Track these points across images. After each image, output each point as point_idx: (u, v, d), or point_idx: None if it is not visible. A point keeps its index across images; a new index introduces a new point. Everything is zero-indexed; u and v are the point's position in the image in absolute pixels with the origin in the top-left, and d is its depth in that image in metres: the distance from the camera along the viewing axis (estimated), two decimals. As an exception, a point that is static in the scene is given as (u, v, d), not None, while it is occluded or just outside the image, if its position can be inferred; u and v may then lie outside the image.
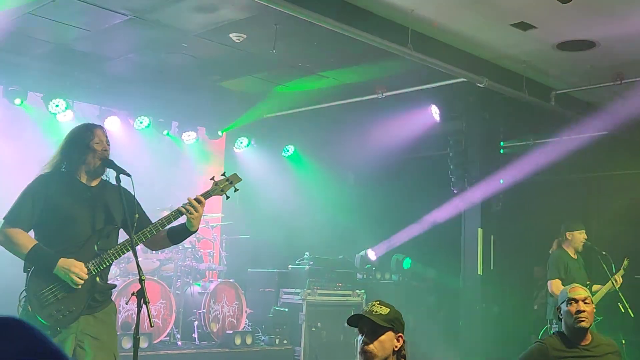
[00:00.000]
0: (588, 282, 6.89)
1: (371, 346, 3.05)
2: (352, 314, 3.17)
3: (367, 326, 3.09)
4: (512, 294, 9.47)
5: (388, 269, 9.92)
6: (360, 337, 3.12)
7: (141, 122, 9.33)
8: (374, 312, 3.10)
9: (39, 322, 3.63)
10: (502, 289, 9.21)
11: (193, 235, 7.16)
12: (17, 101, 8.24)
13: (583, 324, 4.02)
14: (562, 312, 4.13)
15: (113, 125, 9.00)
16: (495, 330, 8.93)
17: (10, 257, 3.84)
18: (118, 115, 9.13)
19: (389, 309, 3.13)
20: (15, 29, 7.12)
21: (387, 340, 3.07)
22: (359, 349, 3.10)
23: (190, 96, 9.55)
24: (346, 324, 3.21)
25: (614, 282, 6.69)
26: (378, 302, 3.17)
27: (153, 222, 4.03)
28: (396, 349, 3.10)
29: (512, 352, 5.82)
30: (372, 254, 9.64)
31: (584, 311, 4.04)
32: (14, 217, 3.78)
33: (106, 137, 4.02)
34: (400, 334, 3.13)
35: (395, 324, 3.12)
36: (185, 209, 3.95)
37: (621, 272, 6.84)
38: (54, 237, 3.79)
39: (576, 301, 4.08)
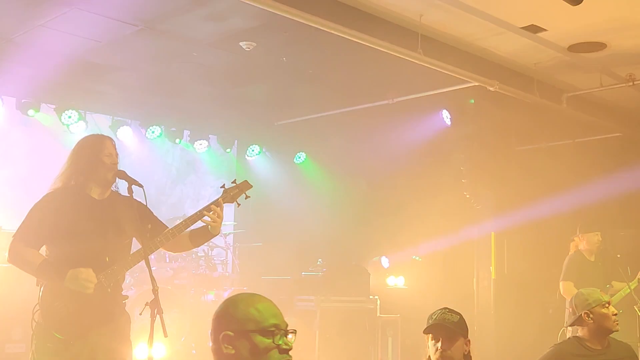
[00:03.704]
0: (608, 285, 6.84)
1: (449, 352, 3.28)
2: (430, 323, 3.37)
3: (444, 333, 3.31)
4: (526, 298, 9.41)
5: (402, 275, 9.88)
6: (434, 342, 3.32)
7: (153, 132, 9.38)
8: (447, 320, 3.32)
9: (53, 336, 3.64)
10: (516, 292, 9.16)
11: (206, 244, 7.18)
12: (30, 112, 8.31)
13: (618, 326, 4.02)
14: (594, 314, 4.05)
15: (125, 135, 9.05)
16: (510, 335, 8.88)
17: (21, 273, 3.86)
18: (130, 125, 9.19)
19: (458, 316, 3.37)
20: (28, 41, 7.18)
21: (460, 346, 3.32)
22: (437, 356, 3.30)
23: (202, 105, 9.58)
24: (422, 333, 3.40)
25: (630, 286, 6.64)
26: (448, 310, 3.39)
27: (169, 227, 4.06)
28: (466, 353, 3.35)
29: (527, 356, 5.78)
30: (385, 262, 9.58)
31: (616, 314, 4.04)
32: (22, 235, 3.79)
33: (115, 148, 4.03)
34: (468, 339, 3.37)
35: (464, 330, 3.35)
36: (207, 215, 3.96)
37: None
38: (65, 253, 3.79)
39: (609, 304, 4.06)
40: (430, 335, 3.36)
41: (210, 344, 2.24)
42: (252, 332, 2.15)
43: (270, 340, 2.15)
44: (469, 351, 3.36)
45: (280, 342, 2.17)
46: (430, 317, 3.39)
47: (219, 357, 2.20)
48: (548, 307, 9.32)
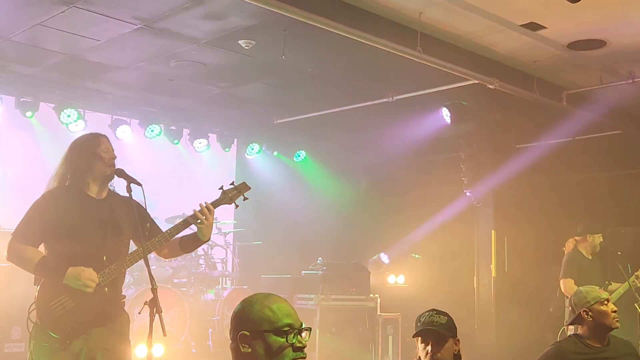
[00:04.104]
0: (606, 282, 6.85)
1: (439, 354, 3.28)
2: (418, 327, 3.37)
3: (433, 337, 3.31)
4: (526, 296, 9.40)
5: (402, 273, 9.88)
6: (423, 346, 3.33)
7: (152, 131, 9.36)
8: (435, 323, 3.32)
9: (50, 336, 3.63)
10: (517, 290, 9.15)
11: (206, 243, 7.15)
12: (28, 113, 8.30)
13: (618, 323, 4.01)
14: (594, 312, 4.04)
15: (125, 134, 9.04)
16: (511, 333, 8.87)
17: (20, 270, 3.85)
18: (129, 124, 9.18)
19: (446, 317, 3.36)
20: (26, 40, 7.17)
21: (450, 347, 3.32)
22: (425, 357, 3.31)
23: (201, 104, 9.57)
24: (412, 337, 3.41)
25: (630, 283, 6.63)
26: (435, 312, 3.38)
27: (163, 231, 4.04)
28: (456, 353, 3.35)
29: (528, 354, 5.77)
30: (384, 257, 9.60)
31: (616, 310, 4.03)
32: (21, 233, 3.78)
33: (111, 145, 4.03)
34: (457, 339, 3.37)
35: (453, 330, 3.35)
36: (195, 217, 3.95)
37: None
38: (63, 251, 3.78)
39: (608, 301, 4.05)
40: (419, 338, 3.36)
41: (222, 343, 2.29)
42: (267, 332, 2.25)
43: (283, 340, 2.25)
44: (459, 350, 3.39)
45: (294, 341, 2.27)
46: (419, 319, 3.39)
47: (237, 355, 2.29)
48: (548, 305, 9.31)
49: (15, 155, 8.48)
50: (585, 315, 4.06)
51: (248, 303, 2.32)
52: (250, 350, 2.24)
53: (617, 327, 4.02)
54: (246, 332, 2.26)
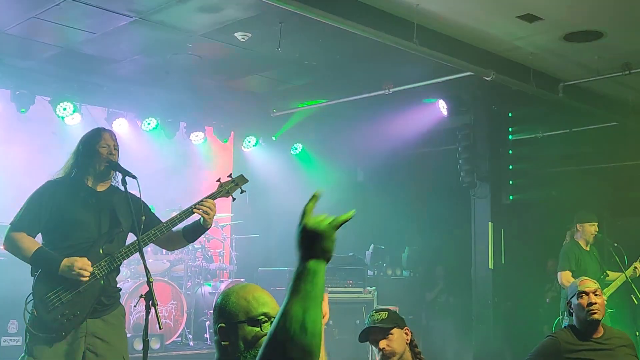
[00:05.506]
0: (605, 273, 6.86)
1: (388, 347, 3.44)
2: (364, 328, 3.57)
3: (377, 334, 3.49)
4: (523, 288, 9.42)
5: (399, 265, 9.89)
6: (374, 347, 3.50)
7: (149, 124, 9.34)
8: (376, 320, 3.51)
9: (46, 327, 3.64)
10: (514, 282, 9.17)
11: (203, 236, 7.18)
12: (24, 107, 8.27)
13: (595, 316, 4.00)
14: (572, 305, 4.10)
15: (121, 127, 9.02)
16: (508, 325, 8.90)
17: (17, 263, 3.85)
18: (126, 117, 9.15)
19: (386, 312, 3.56)
20: (21, 33, 7.14)
21: (398, 337, 3.47)
22: (379, 357, 3.48)
23: (198, 96, 9.55)
24: (360, 342, 3.60)
25: (627, 274, 6.65)
26: (375, 311, 3.59)
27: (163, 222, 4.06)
28: (408, 342, 3.50)
29: (524, 346, 5.79)
30: (381, 250, 9.60)
31: (595, 303, 4.01)
32: (20, 222, 3.80)
33: (114, 141, 4.02)
34: (406, 327, 3.54)
35: (397, 321, 3.52)
36: (200, 208, 3.97)
37: None
38: (60, 242, 3.80)
39: (587, 294, 4.05)
40: (368, 341, 3.51)
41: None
42: (241, 323, 2.17)
43: (258, 329, 2.15)
44: (412, 339, 3.52)
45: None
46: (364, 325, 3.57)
47: (219, 348, 2.21)
48: (545, 296, 9.34)
49: (11, 149, 8.46)
50: (569, 308, 4.12)
51: (225, 295, 2.26)
52: (228, 342, 2.17)
53: (596, 319, 4.00)
54: (223, 325, 2.19)
